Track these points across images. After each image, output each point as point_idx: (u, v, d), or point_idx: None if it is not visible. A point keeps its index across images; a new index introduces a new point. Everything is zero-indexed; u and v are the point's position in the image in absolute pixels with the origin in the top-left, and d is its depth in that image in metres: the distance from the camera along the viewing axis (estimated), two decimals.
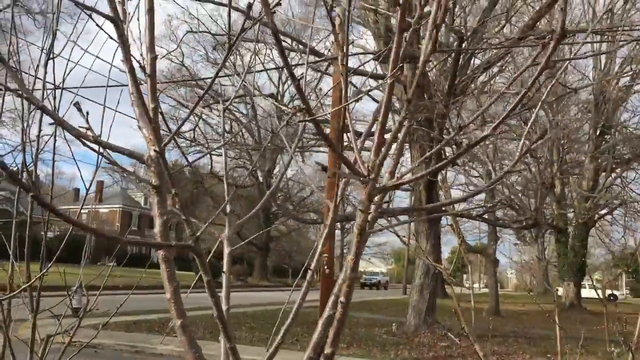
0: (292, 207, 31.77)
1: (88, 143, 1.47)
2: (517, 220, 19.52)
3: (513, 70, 20.55)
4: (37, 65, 2.70)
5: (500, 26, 13.11)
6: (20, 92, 1.36)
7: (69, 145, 2.40)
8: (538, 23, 11.86)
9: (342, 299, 1.60)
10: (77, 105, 1.49)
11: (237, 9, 13.06)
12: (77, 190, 62.48)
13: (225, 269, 1.82)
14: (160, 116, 1.60)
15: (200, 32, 12.04)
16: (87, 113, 1.51)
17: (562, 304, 32.39)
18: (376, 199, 1.47)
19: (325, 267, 9.77)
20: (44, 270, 2.25)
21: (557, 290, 52.33)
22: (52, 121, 2.21)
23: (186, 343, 1.57)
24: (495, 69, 16.61)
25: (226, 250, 1.86)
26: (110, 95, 2.72)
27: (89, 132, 1.38)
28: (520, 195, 24.41)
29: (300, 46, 13.21)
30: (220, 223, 1.98)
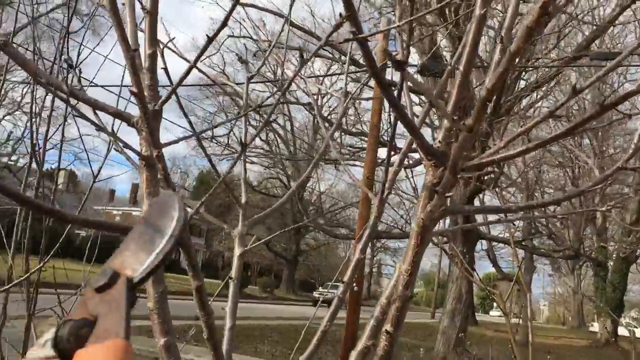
0: (323, 221, 31.45)
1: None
2: (557, 249, 18.78)
3: (560, 94, 19.92)
4: (59, 44, 2.46)
5: (551, 47, 12.62)
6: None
7: (122, 145, 2.16)
8: (592, 45, 11.35)
9: (388, 327, 1.19)
10: (69, 61, 1.21)
11: (279, 15, 12.82)
12: (112, 192, 63.36)
13: (233, 274, 1.46)
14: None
15: (242, 37, 11.91)
16: (80, 71, 1.23)
17: (597, 340, 31.10)
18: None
19: (354, 285, 9.40)
20: (41, 265, 1.98)
21: (592, 325, 50.55)
22: (94, 124, 1.92)
23: None
24: (541, 93, 16.09)
25: (237, 251, 1.48)
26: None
27: (75, 89, 1.09)
28: (559, 224, 23.59)
29: (342, 57, 12.94)
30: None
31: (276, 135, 41.56)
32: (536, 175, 17.59)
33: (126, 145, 1.18)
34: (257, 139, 38.79)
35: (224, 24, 1.11)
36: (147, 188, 1.17)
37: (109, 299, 0.50)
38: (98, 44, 3.47)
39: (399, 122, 1.44)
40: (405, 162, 1.77)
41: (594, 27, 11.82)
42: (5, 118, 28.87)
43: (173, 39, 1.27)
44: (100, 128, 1.18)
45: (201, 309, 1.17)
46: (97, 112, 1.17)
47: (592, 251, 29.32)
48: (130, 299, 0.51)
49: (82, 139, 3.49)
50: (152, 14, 1.09)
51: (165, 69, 1.18)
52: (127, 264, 0.53)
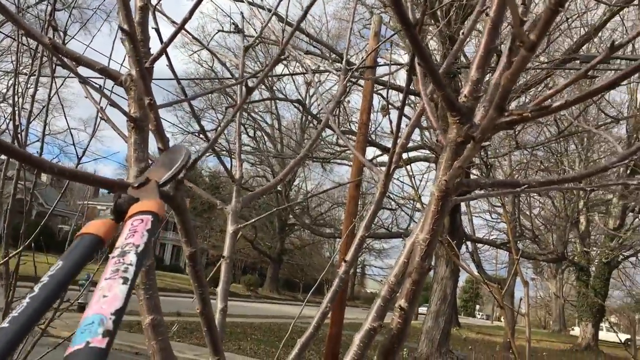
0: (309, 220, 31.38)
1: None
2: (541, 253, 18.87)
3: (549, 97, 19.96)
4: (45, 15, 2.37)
5: (540, 50, 12.65)
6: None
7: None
8: (581, 48, 11.41)
9: (402, 302, 1.09)
10: (53, 23, 1.12)
11: (267, 10, 12.83)
12: (97, 187, 62.69)
13: (225, 252, 1.37)
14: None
15: (230, 32, 11.79)
16: (64, 32, 1.14)
17: (578, 344, 31.36)
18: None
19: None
20: (19, 249, 1.89)
21: (572, 329, 50.99)
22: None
23: (157, 352, 1.14)
24: (529, 97, 16.13)
25: (230, 228, 1.39)
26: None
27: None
28: (542, 228, 23.74)
29: (333, 55, 12.89)
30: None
31: (263, 133, 41.40)
32: (522, 179, 17.65)
33: (113, 104, 1.09)
34: (245, 137, 38.52)
35: None
36: (134, 152, 1.07)
37: (145, 189, 0.74)
38: (80, 30, 3.37)
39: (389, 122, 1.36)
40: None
41: (584, 32, 11.87)
42: None
43: None
44: (84, 80, 1.09)
45: (194, 280, 1.08)
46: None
47: (575, 255, 29.59)
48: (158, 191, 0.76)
49: (70, 131, 3.39)
50: None
51: (157, 29, 1.10)
52: (154, 175, 0.78)
